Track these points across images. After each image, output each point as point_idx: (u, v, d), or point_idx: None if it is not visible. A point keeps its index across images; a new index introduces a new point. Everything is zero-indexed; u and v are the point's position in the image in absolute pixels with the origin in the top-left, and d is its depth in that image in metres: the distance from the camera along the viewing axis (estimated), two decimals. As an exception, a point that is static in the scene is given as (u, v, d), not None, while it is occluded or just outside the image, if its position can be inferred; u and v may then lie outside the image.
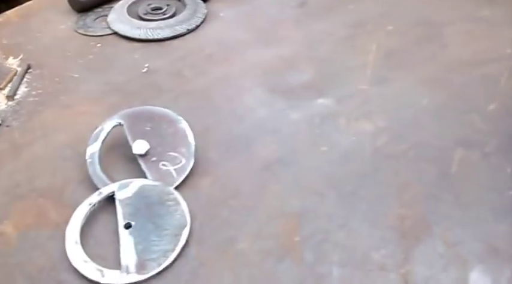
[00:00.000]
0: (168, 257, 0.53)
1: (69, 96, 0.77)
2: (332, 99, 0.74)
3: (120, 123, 0.65)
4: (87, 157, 0.62)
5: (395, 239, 0.55)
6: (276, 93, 0.76)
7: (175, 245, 0.54)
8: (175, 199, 0.58)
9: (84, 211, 0.57)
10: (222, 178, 0.63)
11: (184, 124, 0.65)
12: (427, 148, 0.65)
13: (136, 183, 0.59)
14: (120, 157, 0.66)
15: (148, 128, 0.65)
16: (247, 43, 0.87)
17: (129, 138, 0.64)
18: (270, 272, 0.52)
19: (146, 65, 0.82)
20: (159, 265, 0.52)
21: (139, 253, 0.53)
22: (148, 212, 0.57)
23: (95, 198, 0.58)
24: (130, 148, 0.64)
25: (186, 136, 0.65)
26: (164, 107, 0.73)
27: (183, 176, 0.61)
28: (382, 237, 0.55)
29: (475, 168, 0.62)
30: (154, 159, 0.62)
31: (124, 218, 0.56)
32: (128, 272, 0.52)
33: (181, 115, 0.67)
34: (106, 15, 0.95)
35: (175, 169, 0.62)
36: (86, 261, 0.53)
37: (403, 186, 0.60)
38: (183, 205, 0.57)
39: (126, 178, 0.62)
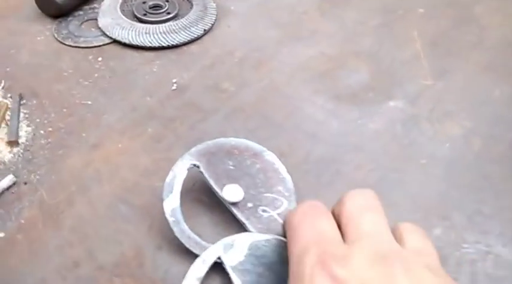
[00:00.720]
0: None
1: (92, 131, 0.61)
2: (403, 100, 0.66)
3: (195, 164, 0.52)
4: (168, 216, 0.49)
5: (543, 258, 0.50)
6: (339, 99, 0.66)
7: (321, 313, 0.44)
8: (296, 254, 0.48)
9: (193, 290, 0.45)
10: (328, 215, 0.53)
11: (271, 156, 0.54)
12: (526, 147, 0.61)
13: (243, 240, 0.48)
14: (200, 205, 0.54)
15: (231, 167, 0.53)
16: (277, 41, 0.76)
17: (212, 182, 0.51)
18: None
19: (174, 81, 0.68)
20: None
21: None
22: (275, 278, 0.46)
23: (201, 268, 0.46)
24: (208, 192, 0.52)
25: (277, 171, 0.54)
26: (218, 132, 0.61)
27: (290, 220, 0.51)
28: (530, 259, 0.50)
29: None
30: (250, 204, 0.51)
31: (247, 290, 0.45)
32: None
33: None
34: (93, 19, 0.78)
35: (278, 214, 0.51)
36: None
37: (524, 195, 0.56)
38: (309, 260, 0.47)
39: (217, 233, 0.51)
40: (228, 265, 0.46)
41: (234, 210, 0.51)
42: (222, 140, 0.55)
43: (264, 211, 0.51)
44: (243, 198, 0.51)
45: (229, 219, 0.52)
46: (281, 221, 0.50)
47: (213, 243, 0.49)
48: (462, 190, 0.56)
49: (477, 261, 0.49)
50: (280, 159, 0.57)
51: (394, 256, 0.34)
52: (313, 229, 0.37)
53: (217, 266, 0.47)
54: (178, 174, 0.52)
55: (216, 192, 0.51)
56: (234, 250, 0.47)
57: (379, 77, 0.70)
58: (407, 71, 0.71)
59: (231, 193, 0.50)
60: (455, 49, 0.75)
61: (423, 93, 0.67)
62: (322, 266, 0.33)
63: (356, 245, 0.35)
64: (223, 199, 0.51)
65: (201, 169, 0.52)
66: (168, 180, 0.51)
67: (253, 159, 0.54)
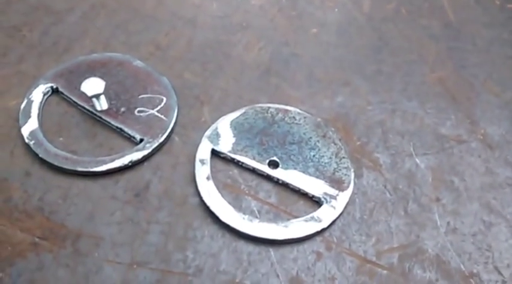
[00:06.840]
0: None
1: None
2: (285, -29, 0.60)
3: (52, 87, 0.43)
4: (27, 140, 0.40)
5: (450, 104, 0.48)
6: (215, -21, 0.58)
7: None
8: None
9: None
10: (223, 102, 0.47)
11: (138, 62, 0.46)
12: (414, 1, 0.58)
13: (224, 124, 0.43)
14: (71, 122, 0.44)
15: (95, 80, 0.44)
16: None
17: (75, 98, 0.43)
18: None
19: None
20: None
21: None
22: (274, 138, 0.43)
23: (204, 168, 0.40)
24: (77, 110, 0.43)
25: (149, 73, 0.46)
26: (77, 33, 0.51)
27: (175, 113, 0.44)
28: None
29: (467, 9, 0.57)
30: (123, 109, 0.43)
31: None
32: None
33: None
34: None
35: (158, 111, 0.44)
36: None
37: (420, 48, 0.53)
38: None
39: (96, 145, 0.42)
40: (227, 152, 0.41)
41: (107, 118, 0.42)
42: (81, 58, 0.47)
43: (140, 111, 0.43)
44: (114, 104, 0.43)
45: (105, 128, 0.43)
46: (163, 117, 0.43)
47: (94, 156, 0.41)
48: (359, 53, 0.52)
49: (385, 120, 0.47)
50: (157, 52, 0.49)
51: None
52: None
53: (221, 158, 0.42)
54: (34, 99, 0.42)
55: (82, 105, 0.43)
56: (223, 137, 0.42)
57: (255, -50, 0.62)
58: None
59: (90, 87, 0.41)
60: None
61: (304, -39, 0.61)
62: None
63: None
64: (92, 108, 0.42)
65: (60, 89, 0.43)
66: (22, 106, 0.42)
67: (119, 67, 0.46)
